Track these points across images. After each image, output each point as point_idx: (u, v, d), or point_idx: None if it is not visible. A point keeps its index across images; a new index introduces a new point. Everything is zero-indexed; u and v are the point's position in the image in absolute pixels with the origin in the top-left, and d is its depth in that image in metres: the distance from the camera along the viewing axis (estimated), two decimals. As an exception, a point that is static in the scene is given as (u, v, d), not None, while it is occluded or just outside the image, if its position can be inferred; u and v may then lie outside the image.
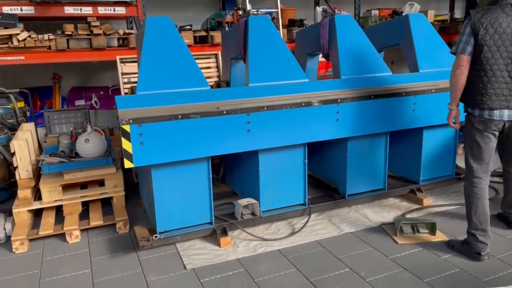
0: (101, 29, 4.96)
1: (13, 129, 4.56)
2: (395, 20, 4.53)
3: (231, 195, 4.25)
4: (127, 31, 5.16)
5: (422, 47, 4.05)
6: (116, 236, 3.66)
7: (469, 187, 3.13)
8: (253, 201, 3.56)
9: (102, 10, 5.01)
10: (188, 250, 3.34)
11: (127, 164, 2.95)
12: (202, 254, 3.28)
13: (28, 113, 5.39)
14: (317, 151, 4.04)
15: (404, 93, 3.72)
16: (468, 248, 3.13)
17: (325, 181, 4.17)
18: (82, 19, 5.23)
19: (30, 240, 3.52)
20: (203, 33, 5.51)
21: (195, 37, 5.56)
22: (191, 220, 3.40)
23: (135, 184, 4.57)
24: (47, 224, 3.62)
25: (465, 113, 3.13)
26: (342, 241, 3.45)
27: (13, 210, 3.60)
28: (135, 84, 4.66)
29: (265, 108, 3.24)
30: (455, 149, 4.27)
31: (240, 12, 5.58)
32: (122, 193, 3.93)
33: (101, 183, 4.01)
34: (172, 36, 3.27)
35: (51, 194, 3.70)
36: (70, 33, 4.83)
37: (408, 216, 3.79)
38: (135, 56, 4.92)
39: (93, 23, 4.88)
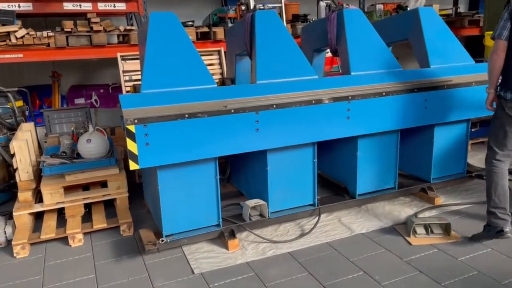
0: (101, 25, 4.83)
1: (12, 129, 4.45)
2: (404, 14, 4.41)
3: (237, 195, 4.14)
4: (128, 27, 5.03)
5: (432, 41, 3.94)
6: (120, 239, 3.56)
7: (489, 168, 3.20)
8: (261, 202, 3.46)
9: (102, 6, 4.89)
10: (195, 254, 3.24)
11: (132, 165, 2.84)
12: (210, 258, 3.17)
13: (27, 113, 5.27)
14: (325, 150, 3.92)
15: (416, 90, 3.61)
16: (490, 229, 3.18)
17: (334, 180, 4.07)
18: (81, 15, 5.10)
19: (32, 244, 3.41)
20: (206, 29, 5.39)
21: (197, 33, 5.44)
22: (198, 222, 3.29)
23: (138, 185, 4.46)
24: (49, 228, 3.51)
25: (497, 97, 3.12)
26: (353, 242, 3.35)
27: (14, 213, 3.49)
28: (137, 82, 4.58)
29: (274, 106, 3.13)
30: (466, 146, 4.16)
31: (243, 7, 5.46)
32: (126, 195, 3.81)
33: (103, 184, 3.89)
34: (177, 32, 3.15)
35: (52, 196, 3.58)
36: (69, 30, 4.70)
37: (420, 215, 3.69)
38: (137, 53, 4.81)
39: (93, 20, 4.75)
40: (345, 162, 3.84)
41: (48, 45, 4.71)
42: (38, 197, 3.76)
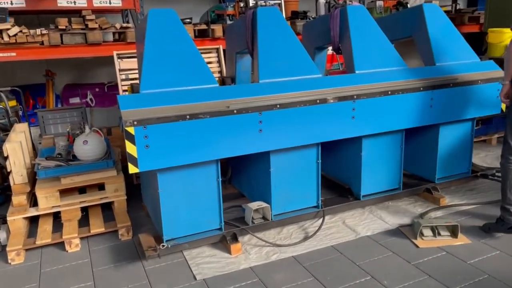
0: (96, 23, 4.69)
1: (5, 129, 4.31)
2: (408, 10, 4.33)
3: (238, 197, 4.05)
4: (124, 25, 4.89)
5: (437, 38, 3.86)
6: (118, 243, 3.45)
7: (505, 164, 3.17)
8: (264, 204, 3.36)
9: (97, 3, 4.75)
10: (197, 258, 3.13)
11: (132, 169, 2.72)
12: (212, 263, 3.08)
13: (20, 112, 5.13)
14: (328, 150, 3.83)
15: (421, 88, 3.52)
16: (502, 224, 3.21)
17: (337, 181, 3.98)
18: (76, 12, 4.97)
19: (27, 250, 3.29)
20: (204, 27, 5.26)
21: (194, 31, 5.31)
22: (199, 226, 3.19)
23: (135, 186, 4.35)
24: (45, 232, 3.39)
25: None
26: (359, 245, 3.26)
27: (8, 218, 3.37)
28: (135, 81, 4.46)
29: (278, 106, 3.03)
30: (471, 145, 4.09)
31: (242, 4, 5.35)
32: (124, 197, 3.71)
33: (100, 186, 3.78)
34: (177, 30, 3.04)
35: (48, 200, 3.46)
36: (63, 27, 4.56)
37: (426, 217, 3.61)
38: (133, 51, 4.68)
39: (88, 17, 4.61)
40: (349, 163, 3.75)
41: (42, 43, 4.57)
42: (33, 201, 3.64)
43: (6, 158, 3.51)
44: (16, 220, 3.40)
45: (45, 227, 3.48)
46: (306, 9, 6.19)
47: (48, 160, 3.59)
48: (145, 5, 5.19)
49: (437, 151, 3.91)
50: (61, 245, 3.37)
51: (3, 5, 4.45)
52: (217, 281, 2.87)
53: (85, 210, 3.70)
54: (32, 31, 4.47)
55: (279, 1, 5.36)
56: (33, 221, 3.67)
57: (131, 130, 2.64)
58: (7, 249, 3.18)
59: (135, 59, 4.61)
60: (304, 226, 3.55)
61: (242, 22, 3.62)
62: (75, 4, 4.68)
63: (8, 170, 3.53)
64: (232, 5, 5.41)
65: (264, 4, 3.43)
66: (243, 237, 3.36)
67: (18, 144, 3.52)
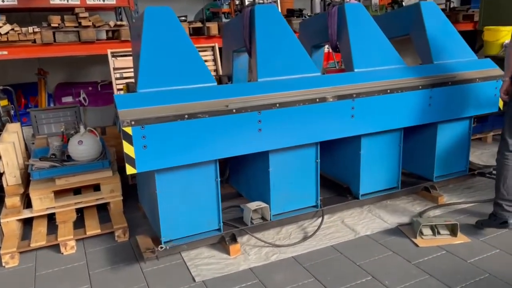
0: (90, 20, 4.61)
1: (-3, 129, 4.23)
2: (405, 8, 4.31)
3: (235, 196, 4.00)
4: (118, 22, 4.83)
5: (435, 36, 3.85)
6: (115, 245, 3.39)
7: (501, 159, 3.21)
8: (263, 204, 3.32)
9: (90, 1, 4.67)
10: (195, 260, 3.09)
11: (130, 170, 2.67)
12: (211, 264, 3.03)
13: (12, 112, 5.04)
14: (326, 149, 3.80)
15: (420, 86, 3.50)
16: (494, 219, 3.24)
17: (336, 181, 3.95)
18: (68, 10, 4.88)
19: (21, 252, 3.22)
20: (199, 24, 5.20)
21: (189, 29, 5.25)
22: (198, 227, 3.15)
23: (130, 186, 4.29)
24: (39, 235, 3.33)
25: None
26: (359, 245, 3.24)
27: (1, 220, 3.30)
28: (130, 80, 4.39)
29: (277, 105, 2.99)
30: (469, 143, 4.09)
31: (237, 2, 5.31)
32: (120, 198, 3.65)
33: (95, 187, 3.72)
34: (174, 28, 2.99)
35: (42, 202, 3.40)
36: (56, 25, 4.48)
37: (425, 215, 3.60)
38: (128, 49, 4.62)
39: (81, 14, 4.52)
40: (348, 162, 3.73)
41: (34, 41, 4.48)
42: (26, 202, 3.57)
43: (-2, 158, 3.44)
44: (10, 222, 3.33)
45: (40, 229, 3.42)
46: (301, 7, 6.16)
47: (42, 161, 3.51)
48: (139, 2, 5.12)
49: (435, 150, 3.90)
50: (56, 247, 3.30)
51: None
52: (216, 283, 2.83)
53: (80, 211, 3.64)
54: (24, 29, 4.39)
55: (275, -1, 5.32)
56: (26, 223, 3.59)
57: (128, 130, 2.59)
58: (1, 252, 3.11)
59: (130, 58, 4.55)
60: (303, 226, 3.52)
61: (239, 20, 3.57)
62: (68, 1, 4.60)
63: (1, 171, 3.45)
64: (227, 3, 5.36)
65: (261, 1, 3.39)
66: (241, 237, 3.32)
67: (11, 144, 3.45)
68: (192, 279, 2.88)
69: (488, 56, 4.90)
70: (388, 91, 3.36)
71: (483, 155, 5.12)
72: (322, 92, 3.14)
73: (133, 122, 2.59)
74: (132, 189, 4.16)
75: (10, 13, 4.78)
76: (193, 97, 2.80)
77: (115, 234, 3.42)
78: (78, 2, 4.60)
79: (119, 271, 3.03)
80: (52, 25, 4.48)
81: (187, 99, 2.78)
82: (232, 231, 3.21)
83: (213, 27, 5.24)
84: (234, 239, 3.17)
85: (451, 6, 7.52)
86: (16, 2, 4.38)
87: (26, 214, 3.41)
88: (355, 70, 3.43)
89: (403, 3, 6.23)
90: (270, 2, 3.41)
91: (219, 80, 4.00)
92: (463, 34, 7.25)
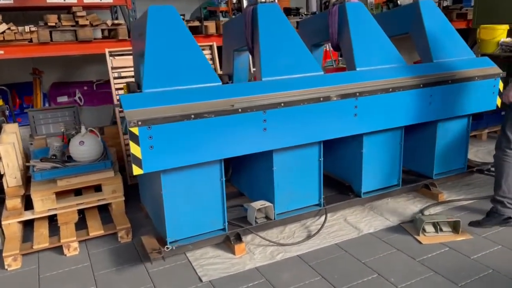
0: (87, 19, 4.57)
1: (-8, 130, 4.16)
2: (404, 7, 4.33)
3: (237, 196, 4.00)
4: (116, 21, 4.78)
5: (434, 35, 3.88)
6: (118, 246, 3.37)
7: (501, 156, 3.21)
8: (267, 204, 3.32)
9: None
10: (201, 260, 3.09)
11: (136, 170, 2.65)
12: (216, 264, 3.03)
13: (7, 112, 4.97)
14: (328, 148, 3.81)
15: (421, 85, 3.53)
16: (495, 216, 3.29)
17: (338, 179, 3.97)
18: (64, 9, 4.83)
19: (23, 254, 3.19)
20: (197, 23, 5.19)
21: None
22: (203, 227, 3.14)
23: (130, 187, 4.27)
24: (41, 236, 3.29)
25: None
26: (363, 243, 3.26)
27: (3, 222, 3.26)
28: (130, 79, 4.36)
29: (282, 104, 2.99)
30: (467, 141, 4.13)
31: (235, 0, 5.30)
32: (122, 199, 3.62)
33: (96, 188, 3.69)
34: (178, 27, 2.98)
35: (44, 203, 3.36)
36: (53, 24, 4.42)
37: (426, 212, 3.64)
38: (125, 48, 4.60)
39: (78, 13, 4.48)
40: (349, 160, 3.75)
41: (31, 40, 4.43)
42: (25, 204, 3.52)
43: (-2, 160, 3.40)
44: (11, 224, 3.29)
45: (41, 230, 3.38)
46: (297, 5, 6.17)
47: (43, 162, 3.47)
48: (136, 1, 5.08)
49: (435, 147, 3.93)
50: (58, 249, 3.27)
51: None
52: (223, 282, 2.83)
53: (81, 212, 3.61)
54: (20, 28, 4.33)
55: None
56: (26, 225, 3.55)
57: (135, 130, 2.57)
58: (4, 254, 3.07)
59: (128, 57, 4.51)
60: (306, 225, 3.53)
61: (240, 19, 3.57)
62: (64, 0, 4.53)
63: (1, 172, 3.40)
64: (224, 1, 5.34)
65: (263, 0, 3.38)
66: (245, 237, 3.32)
67: (11, 145, 3.40)
68: (199, 279, 2.88)
69: (484, 55, 4.96)
70: (390, 89, 3.38)
71: (479, 152, 5.19)
72: (326, 91, 3.15)
73: (139, 123, 2.57)
74: (131, 189, 4.13)
75: (3, 12, 4.70)
76: (199, 97, 2.79)
77: (118, 235, 3.40)
78: (75, 1, 4.54)
79: (124, 272, 3.02)
80: (49, 24, 4.43)
81: (193, 99, 2.76)
82: (236, 231, 3.21)
83: (211, 25, 5.22)
84: (239, 239, 3.17)
85: (444, 4, 7.60)
86: (12, 1, 4.32)
87: (28, 215, 3.37)
88: (357, 69, 3.44)
89: (398, 2, 6.26)
90: (272, 1, 3.40)
91: (220, 79, 3.98)
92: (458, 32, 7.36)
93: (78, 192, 3.72)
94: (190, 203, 3.03)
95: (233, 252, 3.13)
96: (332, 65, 5.55)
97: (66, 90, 6.00)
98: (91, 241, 3.41)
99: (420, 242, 3.21)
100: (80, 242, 3.33)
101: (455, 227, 3.31)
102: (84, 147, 3.49)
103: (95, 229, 3.38)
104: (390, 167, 3.79)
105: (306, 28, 4.45)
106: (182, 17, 5.11)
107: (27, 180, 3.63)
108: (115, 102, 4.36)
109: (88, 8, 5.03)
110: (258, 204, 3.32)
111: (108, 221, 3.54)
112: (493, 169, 4.11)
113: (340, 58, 5.70)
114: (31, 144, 4.20)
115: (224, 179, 3.10)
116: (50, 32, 4.48)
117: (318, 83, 3.17)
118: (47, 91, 6.01)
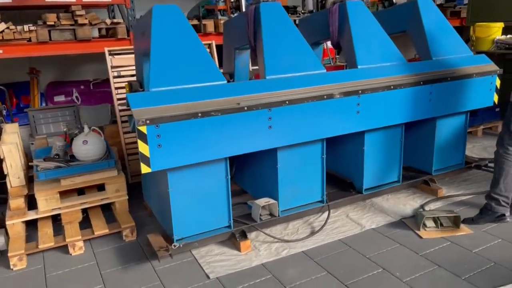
0: (86, 18, 4.55)
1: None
2: (402, 5, 4.38)
3: (240, 193, 4.03)
4: (115, 20, 4.78)
5: (433, 33, 3.94)
6: (123, 244, 3.38)
7: (503, 154, 3.21)
8: (271, 201, 3.36)
9: (85, -2, 4.59)
10: (207, 257, 3.11)
11: (144, 169, 2.67)
12: (223, 261, 3.06)
13: (4, 112, 4.95)
14: (329, 145, 3.85)
15: (422, 82, 3.59)
16: (488, 213, 3.31)
17: (339, 176, 4.01)
18: (62, 7, 4.79)
19: (28, 254, 3.19)
20: (195, 22, 5.19)
21: (185, 26, 5.22)
22: (208, 224, 3.17)
23: (131, 185, 4.26)
24: (46, 236, 3.29)
25: None
26: (366, 238, 3.31)
27: (7, 222, 3.25)
28: (129, 78, 4.36)
29: (287, 102, 3.02)
30: (465, 137, 4.20)
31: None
32: (125, 198, 3.63)
33: (99, 187, 3.69)
34: (183, 26, 2.99)
35: (48, 203, 3.35)
36: (52, 23, 4.40)
37: (426, 208, 3.70)
38: (125, 47, 4.60)
39: (77, 12, 4.46)
40: (351, 157, 3.79)
41: (30, 39, 4.40)
42: (28, 203, 3.51)
43: (0, 160, 3.38)
44: (16, 224, 3.28)
45: (46, 230, 3.38)
46: (294, 4, 6.20)
47: (47, 162, 3.47)
48: (135, 0, 5.06)
49: (434, 144, 3.99)
50: (63, 248, 3.28)
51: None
52: (231, 279, 2.86)
53: (84, 211, 3.61)
54: (19, 28, 4.30)
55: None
56: (29, 224, 3.54)
57: (143, 129, 2.59)
58: (9, 254, 3.07)
59: (127, 56, 4.51)
60: (309, 221, 3.57)
61: (242, 17, 3.59)
62: (63, -1, 4.51)
63: (5, 172, 3.39)
64: (222, 0, 5.35)
65: (265, -1, 3.41)
66: (250, 234, 3.34)
67: (14, 145, 3.39)
68: (206, 276, 2.90)
69: (479, 52, 5.03)
70: (392, 87, 3.43)
71: (474, 148, 5.27)
72: (329, 88, 3.18)
73: (148, 121, 2.59)
74: (132, 188, 4.13)
75: (0, 12, 4.67)
76: (206, 95, 2.81)
77: (122, 234, 3.41)
78: (74, 0, 4.51)
79: (131, 270, 3.03)
80: (48, 23, 4.40)
81: (199, 97, 2.78)
82: (241, 228, 3.24)
83: (209, 24, 5.23)
84: (244, 236, 3.20)
85: (438, 3, 7.68)
86: (10, 0, 4.28)
87: (32, 215, 3.36)
88: (359, 66, 3.49)
89: (394, 1, 6.33)
90: (274, 0, 3.43)
91: (223, 78, 4.00)
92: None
93: (80, 191, 3.72)
94: (196, 201, 3.05)
95: (238, 249, 3.16)
96: (330, 63, 5.59)
97: (63, 90, 5.95)
98: (95, 240, 3.42)
99: (421, 237, 3.27)
100: (85, 241, 3.34)
101: (455, 222, 3.37)
102: (88, 146, 3.49)
103: (100, 228, 3.39)
104: (390, 163, 3.84)
105: (306, 27, 4.48)
106: (181, 16, 5.14)
107: (29, 179, 3.62)
108: (115, 101, 4.36)
109: (86, 6, 5.00)
110: (263, 201, 3.35)
111: (111, 220, 3.55)
112: (490, 164, 4.19)
113: (337, 56, 5.75)
114: (32, 143, 4.19)
115: (229, 177, 3.12)
116: (49, 31, 4.45)
117: (321, 81, 3.21)
118: (44, 90, 5.97)
